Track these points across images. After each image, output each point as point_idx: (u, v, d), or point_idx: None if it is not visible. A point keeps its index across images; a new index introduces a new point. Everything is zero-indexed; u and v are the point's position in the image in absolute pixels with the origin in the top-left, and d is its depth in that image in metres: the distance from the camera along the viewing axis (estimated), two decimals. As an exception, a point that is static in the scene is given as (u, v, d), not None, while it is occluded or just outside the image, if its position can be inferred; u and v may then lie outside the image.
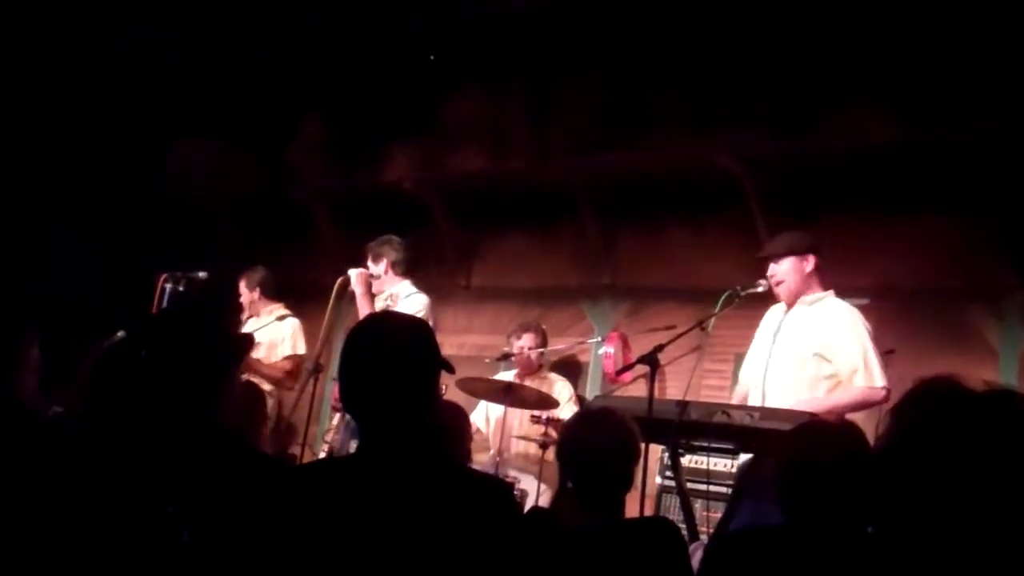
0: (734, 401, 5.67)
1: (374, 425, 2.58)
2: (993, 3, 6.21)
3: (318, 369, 6.26)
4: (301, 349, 7.46)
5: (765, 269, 5.50)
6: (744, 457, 5.29)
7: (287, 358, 7.41)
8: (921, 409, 2.01)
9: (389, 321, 2.98)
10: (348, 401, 2.62)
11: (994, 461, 1.89)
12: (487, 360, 7.62)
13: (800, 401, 5.07)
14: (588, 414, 4.15)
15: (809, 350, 5.24)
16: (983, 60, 6.25)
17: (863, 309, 6.21)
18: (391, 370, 2.58)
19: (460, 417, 4.54)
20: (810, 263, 5.41)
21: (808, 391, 5.16)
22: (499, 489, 2.62)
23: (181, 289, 7.09)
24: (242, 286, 7.72)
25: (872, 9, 6.61)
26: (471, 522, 2.41)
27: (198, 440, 2.79)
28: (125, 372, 2.97)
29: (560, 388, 7.29)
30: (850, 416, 4.73)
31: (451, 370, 2.81)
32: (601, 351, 7.84)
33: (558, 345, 7.80)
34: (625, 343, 7.80)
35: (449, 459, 2.71)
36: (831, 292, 5.46)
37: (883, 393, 5.12)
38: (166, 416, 2.79)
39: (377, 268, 6.84)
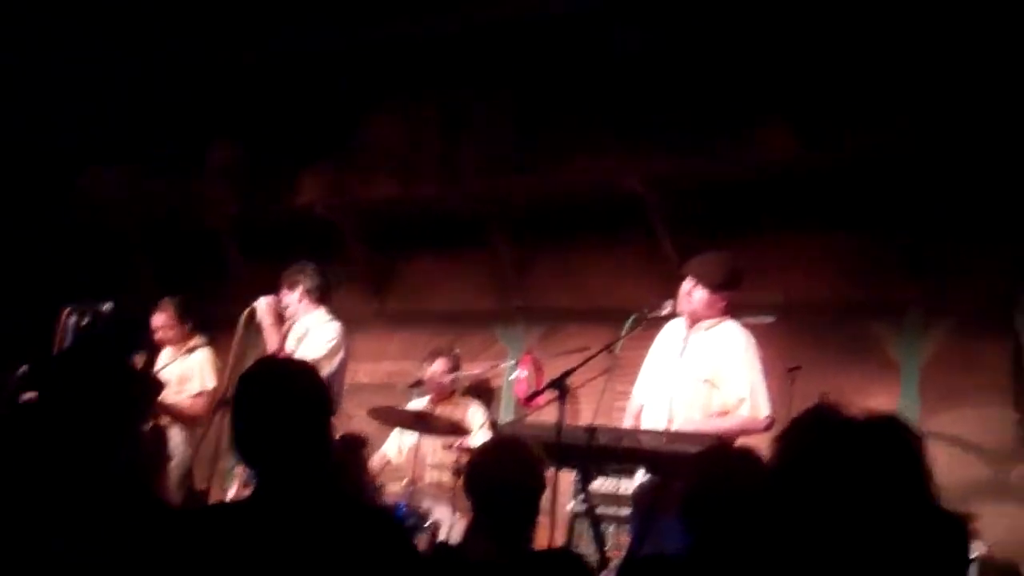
0: (627, 417, 5.71)
1: (267, 471, 2.56)
2: (892, 25, 6.34)
3: (226, 403, 6.14)
4: (211, 384, 7.27)
5: (679, 279, 5.55)
6: (640, 478, 5.31)
7: (197, 395, 7.22)
8: (803, 436, 2.05)
9: (277, 369, 2.95)
10: (241, 448, 2.60)
11: (872, 487, 1.93)
12: (400, 387, 7.59)
13: (690, 421, 5.19)
14: (493, 444, 4.14)
15: (701, 376, 5.31)
16: (883, 80, 6.41)
17: (768, 327, 6.33)
18: (280, 418, 2.57)
19: (355, 450, 4.52)
20: (726, 300, 5.45)
21: (701, 415, 5.23)
22: (394, 527, 2.61)
23: (85, 322, 6.92)
24: (165, 315, 7.50)
25: (774, 31, 6.73)
26: (365, 562, 2.40)
27: (95, 487, 2.74)
28: (23, 413, 2.91)
29: (473, 414, 7.28)
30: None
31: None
32: (514, 375, 7.85)
33: (472, 370, 7.78)
34: (538, 367, 7.81)
35: (345, 498, 2.67)
36: (728, 317, 5.49)
37: (765, 423, 5.19)
38: (63, 462, 2.74)
39: (291, 296, 6.72)
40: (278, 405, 2.59)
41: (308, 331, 6.47)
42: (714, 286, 5.39)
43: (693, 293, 5.41)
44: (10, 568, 2.49)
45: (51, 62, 8.52)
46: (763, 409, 5.21)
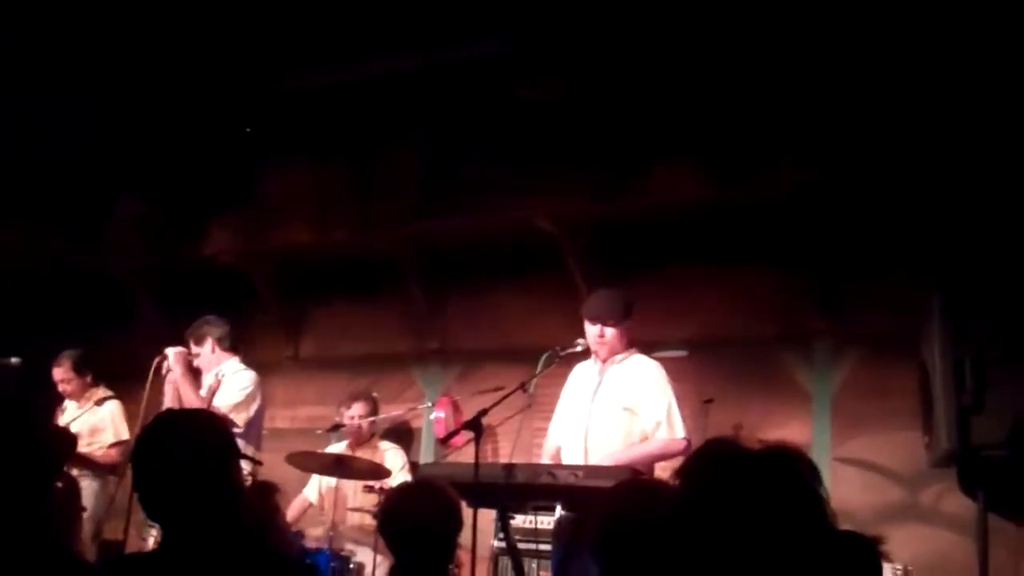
0: (544, 458, 5.80)
1: (170, 524, 2.54)
2: (798, 64, 6.50)
3: (139, 453, 6.07)
4: (125, 434, 7.23)
5: (583, 324, 5.65)
6: (559, 512, 5.38)
7: (112, 446, 7.16)
8: (700, 469, 2.10)
9: (175, 420, 2.93)
10: (144, 503, 2.57)
11: (768, 516, 1.98)
12: (318, 432, 7.54)
13: (611, 453, 5.29)
14: (407, 487, 4.17)
15: (620, 405, 5.47)
16: (790, 119, 6.54)
17: (681, 361, 6.42)
18: (179, 470, 2.55)
19: (266, 497, 4.49)
20: (630, 328, 5.63)
21: (623, 444, 5.35)
22: (303, 573, 2.61)
23: (-7, 377, 6.81)
24: (63, 369, 7.40)
25: (682, 71, 6.85)
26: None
27: (9, 542, 2.70)
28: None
29: (392, 457, 7.27)
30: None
31: (257, 463, 2.79)
32: (432, 416, 7.84)
33: (389, 412, 7.77)
34: (456, 407, 7.81)
35: (255, 546, 2.66)
36: (635, 349, 5.68)
37: (683, 444, 5.39)
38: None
39: (203, 349, 6.67)
40: (176, 456, 2.57)
41: (222, 380, 6.43)
42: (621, 319, 5.59)
43: (605, 333, 5.57)
44: None
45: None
46: (679, 431, 5.40)
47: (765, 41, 6.55)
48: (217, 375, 6.46)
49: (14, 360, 6.86)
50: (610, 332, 5.56)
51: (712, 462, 2.09)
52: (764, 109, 6.63)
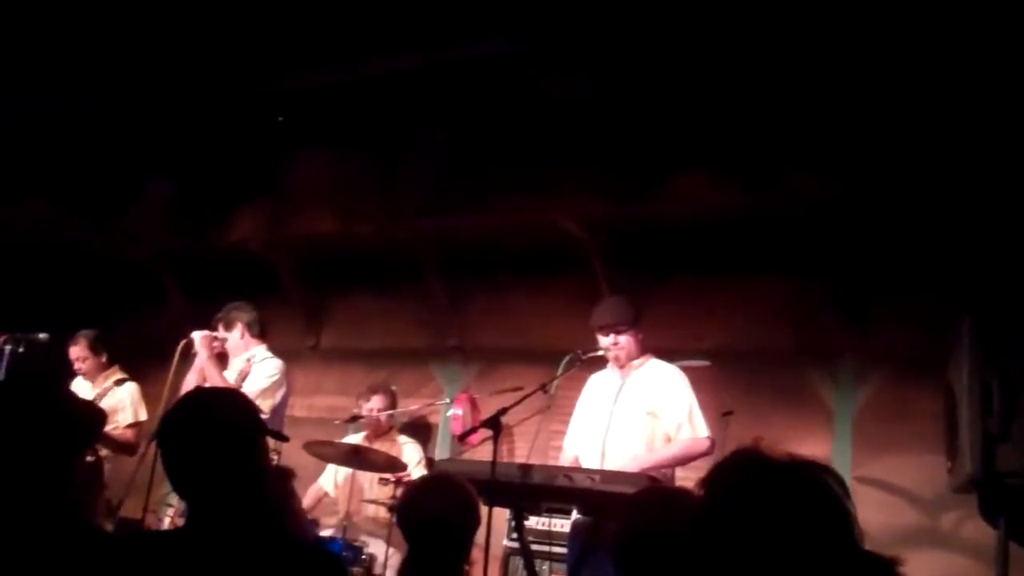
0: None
1: (199, 502, 2.55)
2: (821, 74, 6.47)
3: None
4: (143, 415, 7.26)
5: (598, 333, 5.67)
6: (575, 516, 5.41)
7: (129, 426, 7.18)
8: (726, 478, 2.09)
9: (205, 398, 2.94)
10: (171, 478, 2.58)
11: (794, 529, 1.97)
12: (336, 422, 7.57)
13: (635, 458, 5.30)
14: (427, 480, 4.16)
15: (643, 409, 5.50)
16: (823, 127, 6.51)
17: (701, 371, 6.40)
18: (209, 447, 2.56)
19: (282, 482, 4.50)
20: (641, 333, 5.67)
21: (646, 449, 5.35)
22: (328, 561, 2.61)
23: (21, 351, 6.85)
24: (80, 348, 7.44)
25: (713, 75, 6.82)
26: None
27: (35, 516, 2.72)
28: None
29: (409, 451, 7.28)
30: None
31: (284, 438, 2.79)
32: (450, 413, 7.85)
33: (408, 407, 7.79)
34: (474, 404, 7.82)
35: (278, 530, 2.67)
36: (651, 355, 5.72)
37: (707, 443, 5.44)
38: (5, 492, 2.72)
39: (232, 334, 6.66)
40: (207, 435, 2.58)
41: (250, 366, 6.43)
42: (632, 324, 5.65)
43: (619, 341, 5.62)
44: None
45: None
46: (701, 429, 5.45)
47: (797, 51, 6.51)
48: (249, 360, 6.46)
49: (42, 335, 6.90)
50: (624, 339, 5.61)
51: (738, 471, 2.08)
52: (793, 119, 6.59)
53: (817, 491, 2.02)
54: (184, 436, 2.60)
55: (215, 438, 2.57)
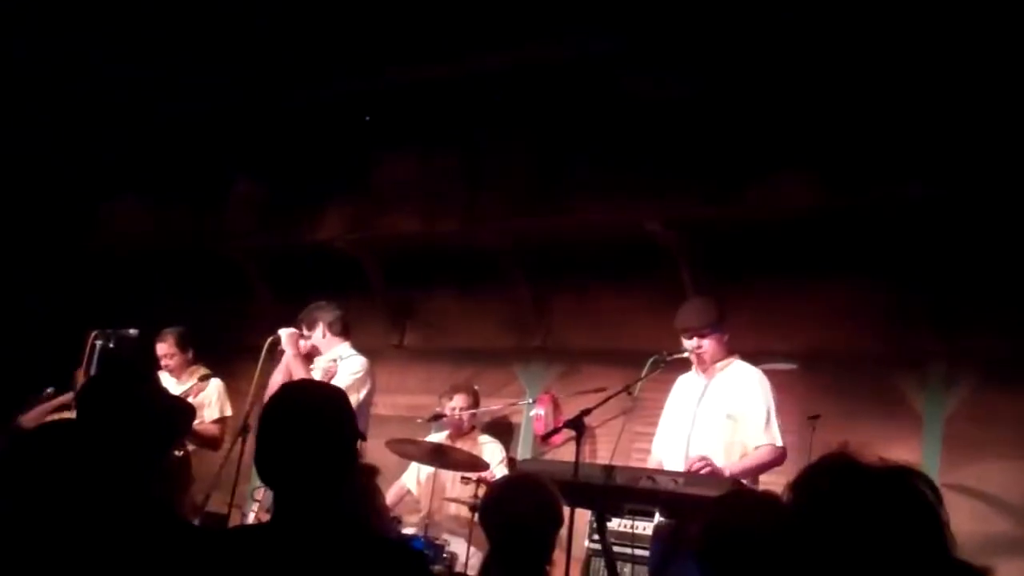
0: None
1: (288, 494, 2.56)
2: (915, 73, 6.36)
3: (246, 429, 6.18)
4: (228, 411, 7.35)
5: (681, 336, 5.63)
6: (658, 518, 5.37)
7: (215, 421, 7.26)
8: (816, 484, 2.06)
9: (306, 391, 2.96)
10: (262, 469, 2.60)
11: (887, 536, 1.93)
12: (419, 420, 7.60)
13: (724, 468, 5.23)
14: (511, 480, 4.17)
15: (724, 412, 5.47)
16: (908, 128, 6.40)
17: (789, 374, 6.33)
18: (307, 441, 2.57)
19: (366, 479, 4.52)
20: (727, 333, 5.61)
21: (725, 455, 5.31)
22: (412, 559, 2.61)
23: (111, 346, 6.98)
24: (167, 344, 7.54)
25: (800, 76, 6.75)
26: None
27: (124, 509, 2.77)
28: (47, 438, 2.94)
29: (491, 450, 7.29)
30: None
31: (361, 438, 2.80)
32: (532, 413, 7.85)
33: (490, 406, 7.80)
34: (556, 405, 7.81)
35: (363, 526, 2.69)
36: (737, 356, 5.69)
37: (780, 452, 5.40)
38: (96, 485, 2.77)
39: (314, 333, 6.75)
40: (305, 426, 2.59)
41: (336, 366, 6.49)
42: (716, 327, 5.60)
43: (703, 344, 5.59)
44: None
45: (85, 91, 8.63)
46: (778, 439, 5.39)
47: (889, 50, 6.42)
48: (335, 360, 6.52)
49: (132, 331, 7.01)
50: (707, 342, 5.57)
51: (830, 476, 2.05)
52: (886, 120, 6.49)
53: (910, 497, 1.99)
54: (283, 424, 2.61)
55: (311, 429, 2.58)
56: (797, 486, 2.10)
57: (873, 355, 6.87)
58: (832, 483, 2.03)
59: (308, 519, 2.50)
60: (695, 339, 5.58)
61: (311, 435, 2.58)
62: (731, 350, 5.70)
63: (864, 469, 2.03)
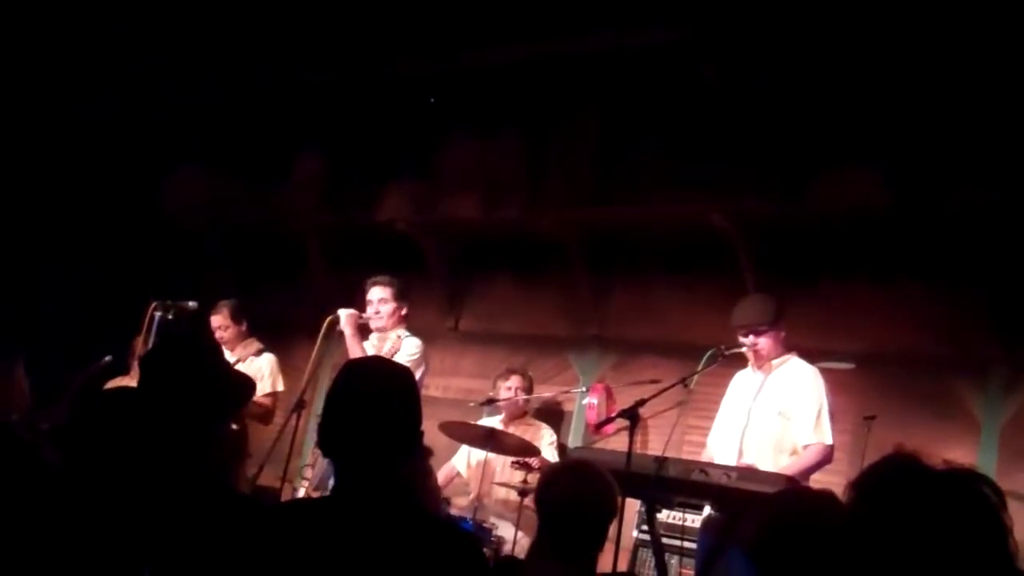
0: None
1: (351, 468, 2.58)
2: (987, 76, 6.28)
3: (301, 405, 6.22)
4: (280, 386, 7.39)
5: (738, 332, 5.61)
6: (708, 510, 5.36)
7: (267, 395, 7.27)
8: (879, 484, 2.04)
9: (376, 367, 2.97)
10: (327, 442, 2.62)
11: (949, 541, 1.91)
12: (472, 404, 7.63)
13: (761, 459, 5.30)
14: (568, 466, 4.15)
15: (776, 409, 5.45)
16: (977, 131, 6.33)
17: (845, 374, 6.27)
18: (374, 417, 2.58)
19: (421, 459, 4.55)
20: (784, 330, 5.58)
21: (774, 452, 5.28)
22: (468, 540, 2.62)
23: (170, 318, 7.04)
24: (222, 316, 7.56)
25: (870, 77, 6.69)
26: (439, 571, 2.42)
27: (181, 479, 2.80)
28: (108, 405, 2.98)
29: (544, 434, 7.29)
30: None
31: None
32: (585, 401, 7.84)
33: (543, 393, 7.81)
34: (610, 395, 7.80)
35: (418, 505, 2.70)
36: (794, 353, 5.66)
37: (829, 451, 5.39)
38: (155, 454, 2.80)
39: (385, 308, 6.77)
40: (373, 401, 2.60)
41: (400, 340, 6.49)
42: (772, 324, 5.59)
43: (759, 341, 5.58)
44: (83, 562, 2.53)
45: (149, 66, 8.72)
46: (827, 436, 5.35)
47: (963, 55, 6.34)
48: (398, 337, 6.53)
49: (191, 304, 7.07)
50: (763, 340, 5.55)
51: (894, 477, 2.03)
52: (955, 121, 6.42)
53: (975, 501, 1.96)
54: (349, 399, 2.63)
55: (379, 405, 2.59)
56: (859, 485, 2.07)
57: (933, 358, 6.80)
58: (896, 484, 2.01)
59: (369, 495, 2.51)
60: (751, 336, 5.57)
61: (379, 411, 2.58)
62: (789, 347, 5.66)
63: (929, 471, 2.01)
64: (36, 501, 2.64)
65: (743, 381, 5.76)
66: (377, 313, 6.65)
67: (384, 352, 6.35)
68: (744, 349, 5.61)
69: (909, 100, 6.58)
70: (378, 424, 2.57)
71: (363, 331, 6.67)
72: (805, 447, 5.36)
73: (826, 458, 5.37)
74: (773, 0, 6.64)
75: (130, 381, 7.20)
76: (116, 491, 2.69)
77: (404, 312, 6.71)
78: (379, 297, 6.67)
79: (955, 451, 6.41)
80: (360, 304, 6.69)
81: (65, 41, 8.33)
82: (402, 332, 6.59)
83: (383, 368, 2.88)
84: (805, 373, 5.56)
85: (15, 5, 7.92)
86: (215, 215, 9.91)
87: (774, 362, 5.61)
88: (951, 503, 1.95)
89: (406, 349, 6.46)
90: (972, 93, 6.36)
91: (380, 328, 6.64)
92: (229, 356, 7.31)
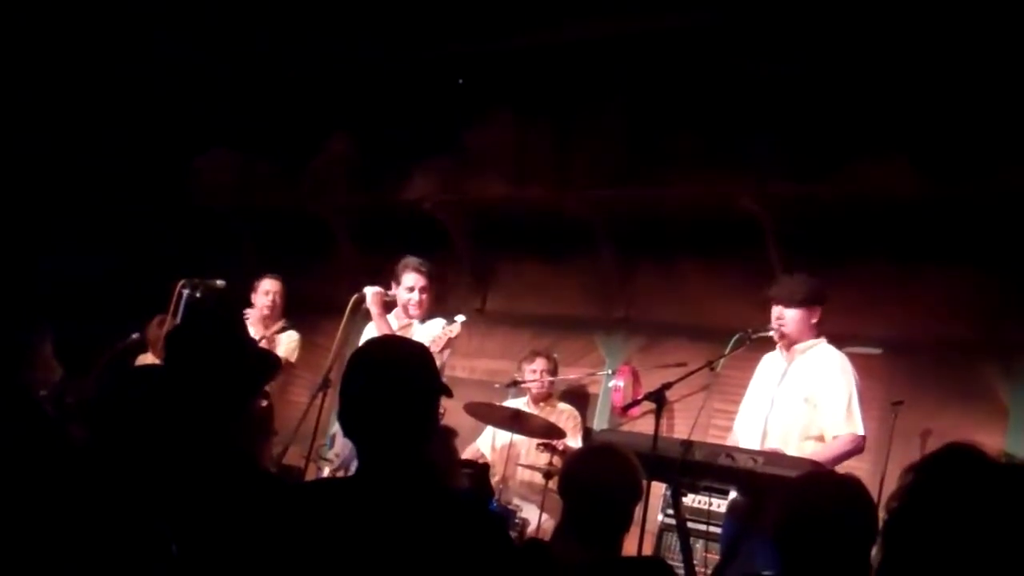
0: None
1: (370, 448, 2.58)
2: (1016, 63, 6.21)
3: (327, 384, 6.23)
4: (293, 358, 7.38)
5: (770, 307, 5.55)
6: (733, 494, 5.34)
7: None
8: (940, 471, 2.02)
9: (391, 346, 2.96)
10: (346, 422, 2.61)
11: (1009, 533, 1.89)
12: (497, 386, 7.62)
13: (787, 445, 5.21)
14: (595, 449, 4.13)
15: (802, 395, 5.34)
16: (1004, 117, 6.26)
17: (873, 359, 6.23)
18: (391, 395, 2.57)
19: (445, 440, 4.55)
20: (816, 315, 5.47)
21: (799, 438, 5.22)
22: (493, 520, 2.62)
23: (198, 296, 7.05)
24: (278, 283, 7.55)
25: (900, 63, 6.62)
26: (464, 551, 2.41)
27: (207, 456, 2.81)
28: (135, 382, 2.99)
29: (568, 417, 7.28)
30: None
31: (449, 394, 2.80)
32: (611, 384, 7.83)
33: (568, 375, 7.80)
34: (636, 377, 7.79)
35: (444, 486, 2.70)
36: (823, 339, 5.52)
37: (861, 441, 5.25)
38: (182, 430, 2.81)
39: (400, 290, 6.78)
40: (391, 379, 2.59)
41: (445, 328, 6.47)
42: (799, 304, 5.45)
43: (784, 315, 5.46)
44: (110, 537, 2.54)
45: (179, 48, 8.74)
46: (859, 427, 5.23)
47: (996, 40, 6.26)
48: (453, 321, 6.51)
49: (219, 282, 7.08)
50: (788, 315, 5.44)
51: (954, 465, 2.01)
52: (988, 107, 6.35)
53: None
54: (365, 379, 2.62)
55: (395, 383, 2.58)
56: (918, 471, 2.05)
57: (960, 343, 6.75)
58: (958, 472, 1.99)
59: (392, 474, 2.51)
60: (778, 308, 5.47)
61: (395, 389, 2.57)
62: (818, 333, 5.57)
63: (992, 462, 1.99)
64: (63, 478, 2.65)
65: (769, 365, 5.69)
66: (420, 302, 6.65)
67: (439, 337, 6.29)
68: (771, 332, 5.54)
69: (938, 85, 6.51)
70: (394, 405, 2.56)
71: (388, 308, 6.68)
72: (835, 437, 5.27)
73: (857, 448, 5.26)
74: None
75: (147, 359, 7.24)
76: (143, 468, 2.70)
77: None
78: (421, 285, 6.67)
79: (983, 437, 6.35)
80: (386, 283, 6.69)
81: (94, 21, 8.34)
82: (445, 319, 6.56)
83: (397, 347, 2.87)
84: (832, 359, 5.43)
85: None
86: (244, 195, 9.94)
87: (800, 346, 5.48)
88: (1011, 496, 1.93)
89: (428, 330, 6.45)
90: (1001, 79, 6.29)
91: (417, 316, 6.64)
92: (253, 333, 7.33)
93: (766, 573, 3.19)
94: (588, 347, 8.38)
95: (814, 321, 5.50)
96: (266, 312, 7.45)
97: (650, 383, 6.55)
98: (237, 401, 2.99)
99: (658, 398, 4.93)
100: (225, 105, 9.59)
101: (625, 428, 7.24)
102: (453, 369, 7.16)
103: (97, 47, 8.66)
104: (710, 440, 6.22)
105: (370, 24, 8.08)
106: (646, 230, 8.14)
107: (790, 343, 5.51)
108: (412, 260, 6.71)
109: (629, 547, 4.93)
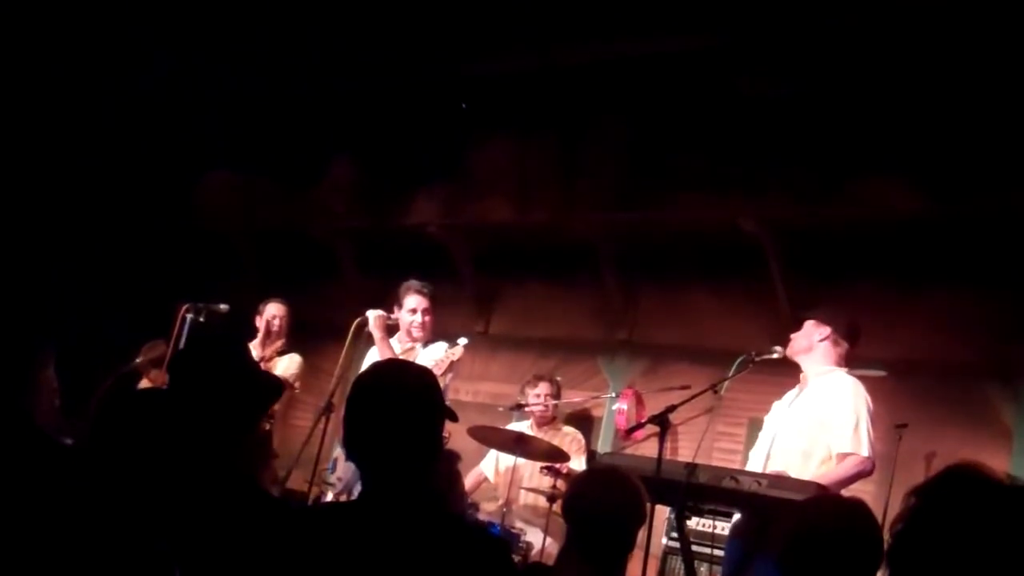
0: None
1: (374, 472, 2.57)
2: (1017, 82, 6.22)
3: (330, 408, 6.22)
4: (293, 380, 7.32)
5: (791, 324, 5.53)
6: (737, 516, 5.30)
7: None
8: (944, 493, 2.01)
9: (396, 370, 2.96)
10: (351, 446, 2.61)
11: (1013, 554, 1.88)
12: (500, 409, 7.62)
13: (790, 466, 5.13)
14: (598, 472, 4.13)
15: (810, 417, 5.28)
16: (1006, 136, 6.27)
17: (876, 381, 6.21)
18: (396, 419, 2.57)
19: (447, 464, 4.54)
20: (823, 333, 5.41)
21: (803, 460, 5.16)
22: (495, 544, 2.61)
23: (201, 320, 7.05)
24: (284, 307, 7.54)
25: (900, 83, 6.64)
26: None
27: (210, 479, 2.80)
28: (138, 405, 2.98)
29: (572, 440, 7.27)
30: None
31: (455, 418, 2.79)
32: (615, 407, 7.82)
33: (572, 398, 7.79)
34: (639, 400, 7.78)
35: (447, 510, 2.69)
36: (844, 370, 5.42)
37: (868, 464, 5.15)
38: (185, 454, 2.80)
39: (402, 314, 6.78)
40: (394, 404, 2.59)
41: (448, 351, 6.47)
42: (840, 332, 5.40)
43: (817, 332, 5.42)
44: (113, 562, 2.53)
45: (181, 70, 8.76)
46: (866, 449, 5.13)
47: (997, 59, 6.28)
48: (456, 344, 6.52)
49: (223, 306, 7.09)
50: (819, 335, 5.39)
51: (957, 486, 2.00)
52: (990, 127, 6.36)
53: None
54: (369, 403, 2.62)
55: (400, 408, 2.58)
56: (921, 493, 2.05)
57: (965, 366, 6.74)
58: (961, 494, 1.99)
59: (396, 498, 2.50)
60: (812, 324, 5.43)
61: (400, 414, 2.58)
62: (836, 360, 5.49)
63: (996, 483, 1.99)
64: (64, 501, 2.64)
65: (787, 394, 5.64)
66: (423, 324, 6.66)
67: (441, 360, 6.30)
68: (777, 353, 5.49)
69: (938, 105, 6.53)
70: (399, 429, 2.56)
71: (390, 332, 6.68)
72: (840, 455, 5.21)
73: (864, 471, 5.14)
74: (805, 7, 6.59)
75: (143, 383, 7.23)
76: (146, 492, 2.70)
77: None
78: (423, 307, 6.68)
79: (987, 459, 6.25)
80: (389, 307, 6.69)
81: (96, 41, 8.37)
82: (448, 343, 6.57)
83: (402, 372, 2.87)
84: (845, 383, 5.34)
85: (47, 5, 7.98)
86: (247, 218, 9.95)
87: (814, 372, 5.43)
88: (1019, 517, 1.93)
89: (431, 354, 6.46)
90: (1003, 98, 6.30)
91: (420, 339, 6.65)
92: (255, 355, 7.32)
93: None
94: (592, 370, 8.38)
95: (819, 339, 5.42)
96: (272, 333, 7.44)
97: (654, 406, 6.56)
98: (242, 425, 2.99)
99: (662, 421, 4.91)
100: (229, 128, 9.61)
101: (629, 451, 7.24)
102: (457, 392, 7.15)
103: (100, 69, 8.68)
104: (714, 463, 6.20)
105: (374, 48, 8.11)
106: (649, 253, 8.15)
107: (795, 354, 5.46)
108: (414, 282, 6.72)
109: (633, 571, 4.91)
